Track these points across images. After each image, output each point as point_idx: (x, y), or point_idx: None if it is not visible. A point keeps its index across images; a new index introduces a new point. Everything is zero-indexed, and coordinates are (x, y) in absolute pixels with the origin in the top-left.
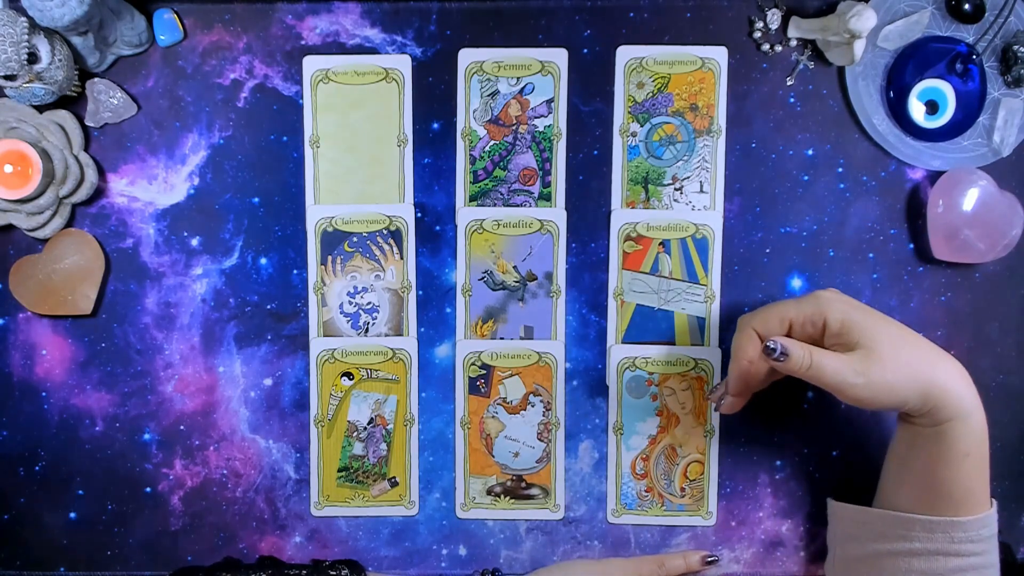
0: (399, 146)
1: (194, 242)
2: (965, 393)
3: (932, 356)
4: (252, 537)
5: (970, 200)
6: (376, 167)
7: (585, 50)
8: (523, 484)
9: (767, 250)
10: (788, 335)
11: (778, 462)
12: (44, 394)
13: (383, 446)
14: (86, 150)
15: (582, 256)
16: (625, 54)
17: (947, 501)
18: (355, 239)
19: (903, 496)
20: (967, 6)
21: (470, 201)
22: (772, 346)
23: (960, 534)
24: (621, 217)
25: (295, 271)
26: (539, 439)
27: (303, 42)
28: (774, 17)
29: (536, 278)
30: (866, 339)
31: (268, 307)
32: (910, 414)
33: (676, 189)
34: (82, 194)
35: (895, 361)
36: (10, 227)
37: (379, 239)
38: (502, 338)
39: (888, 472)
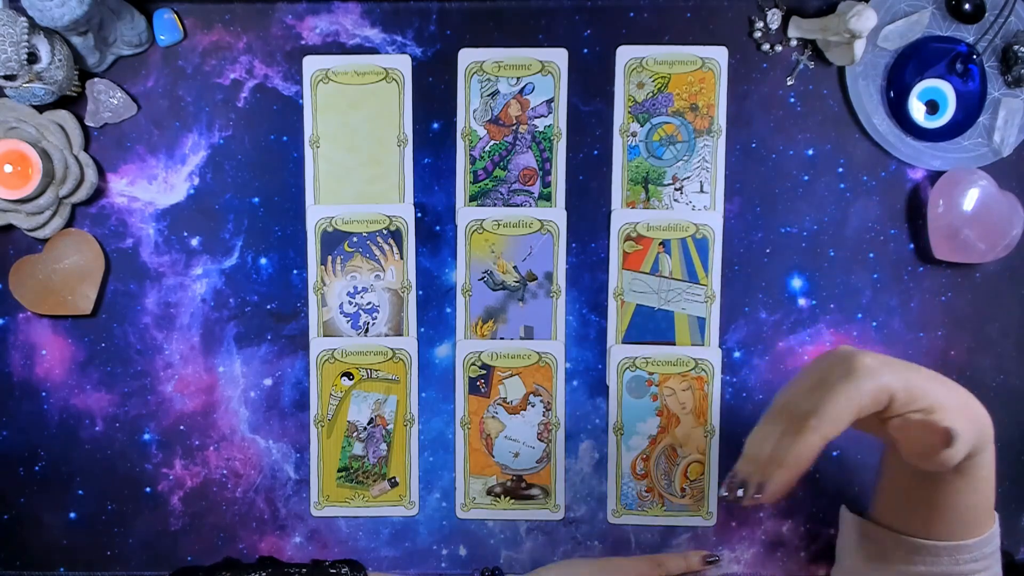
0: (399, 146)
1: (194, 242)
2: (989, 420)
3: (965, 393)
4: (252, 537)
5: (970, 200)
6: (376, 167)
7: (585, 50)
8: (523, 484)
9: (767, 250)
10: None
11: None
12: (44, 394)
13: (383, 446)
14: (86, 150)
15: (582, 256)
16: (625, 54)
17: (963, 525)
18: (355, 239)
19: (911, 521)
20: (967, 6)
21: (470, 201)
22: (954, 433)
23: (966, 555)
24: (621, 217)
25: (295, 271)
26: (539, 439)
27: (303, 42)
28: (774, 17)
29: (536, 278)
30: (934, 400)
31: (268, 307)
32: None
33: (676, 189)
34: (82, 194)
35: (963, 408)
36: (10, 227)
37: (379, 239)
38: (502, 338)
39: (888, 498)
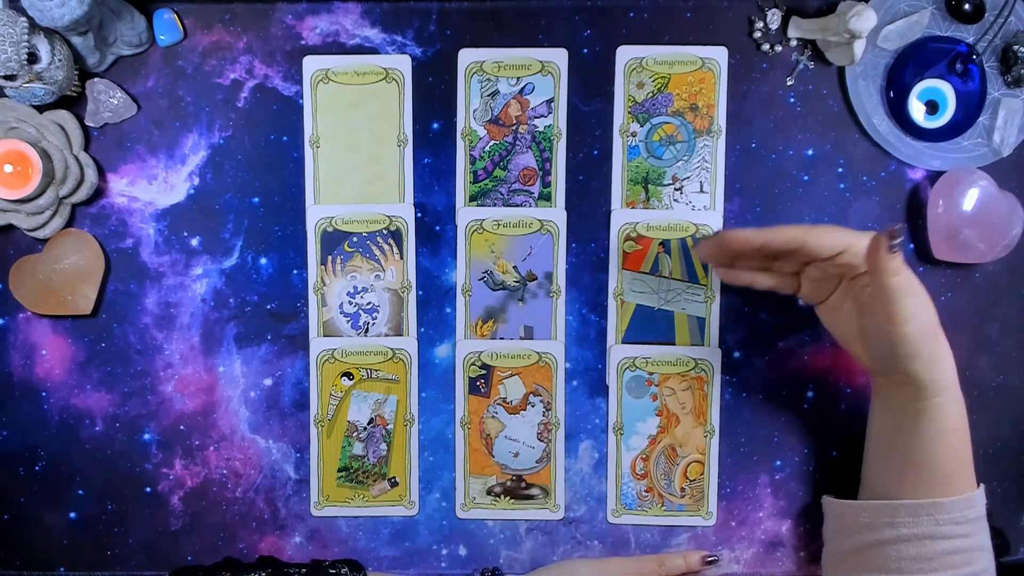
0: (399, 146)
1: (194, 242)
2: (953, 366)
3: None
4: (252, 537)
5: (970, 200)
6: (376, 167)
7: (585, 50)
8: (523, 484)
9: None
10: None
11: (778, 462)
12: (44, 394)
13: (383, 446)
14: (86, 150)
15: (582, 256)
16: (625, 54)
17: (935, 479)
18: (355, 239)
19: (889, 480)
20: (967, 6)
21: (470, 201)
22: (899, 234)
23: (945, 515)
24: (621, 217)
25: (295, 271)
26: (539, 439)
27: (303, 42)
28: (774, 17)
29: (536, 278)
30: (916, 284)
31: (268, 307)
32: (904, 381)
33: (676, 189)
34: (82, 194)
35: (931, 311)
36: (10, 227)
37: (379, 239)
38: (502, 338)
39: (870, 458)
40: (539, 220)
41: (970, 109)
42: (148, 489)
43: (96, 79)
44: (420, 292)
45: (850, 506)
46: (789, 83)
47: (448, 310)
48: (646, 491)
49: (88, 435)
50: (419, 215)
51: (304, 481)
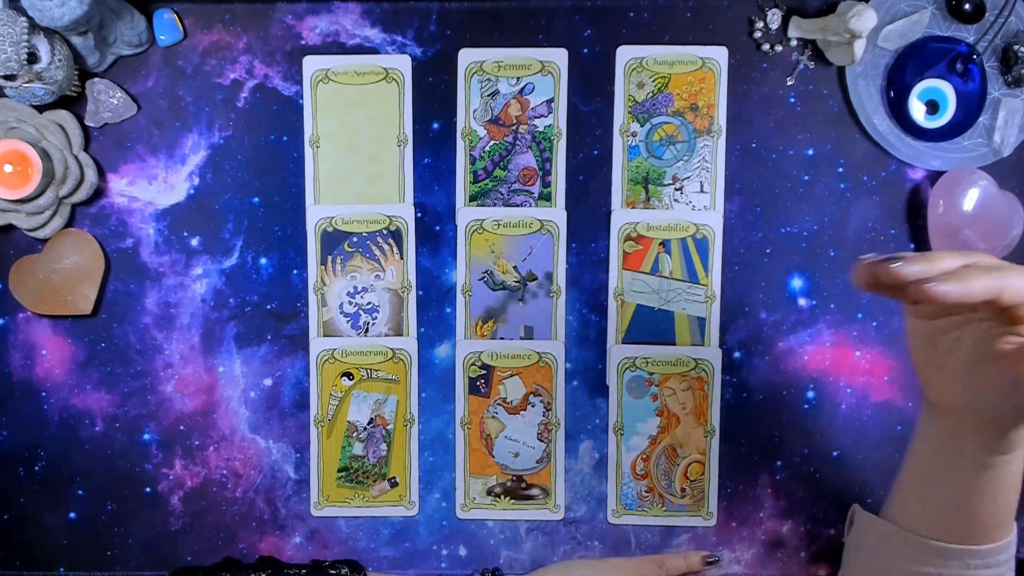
0: (399, 146)
1: (194, 242)
2: None
3: None
4: (252, 537)
5: (970, 200)
6: (376, 167)
7: (585, 50)
8: (523, 484)
9: (767, 250)
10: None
11: (778, 462)
12: (44, 394)
13: (383, 446)
14: (86, 150)
15: (582, 256)
16: (625, 54)
17: (980, 529)
18: (355, 239)
19: (926, 518)
20: (967, 6)
21: (470, 201)
22: None
23: (976, 561)
24: (621, 217)
25: (295, 271)
26: (539, 439)
27: (303, 42)
28: (774, 17)
29: (536, 278)
30: None
31: (268, 307)
32: (990, 432)
33: (676, 189)
34: (82, 194)
35: None
36: (10, 227)
37: (379, 239)
38: (502, 338)
39: (907, 491)
40: (539, 220)
41: (970, 109)
42: (148, 489)
43: (96, 79)
44: (420, 292)
45: (884, 528)
46: (789, 83)
47: (448, 310)
48: (646, 491)
49: (88, 435)
50: (419, 215)
51: (304, 481)
